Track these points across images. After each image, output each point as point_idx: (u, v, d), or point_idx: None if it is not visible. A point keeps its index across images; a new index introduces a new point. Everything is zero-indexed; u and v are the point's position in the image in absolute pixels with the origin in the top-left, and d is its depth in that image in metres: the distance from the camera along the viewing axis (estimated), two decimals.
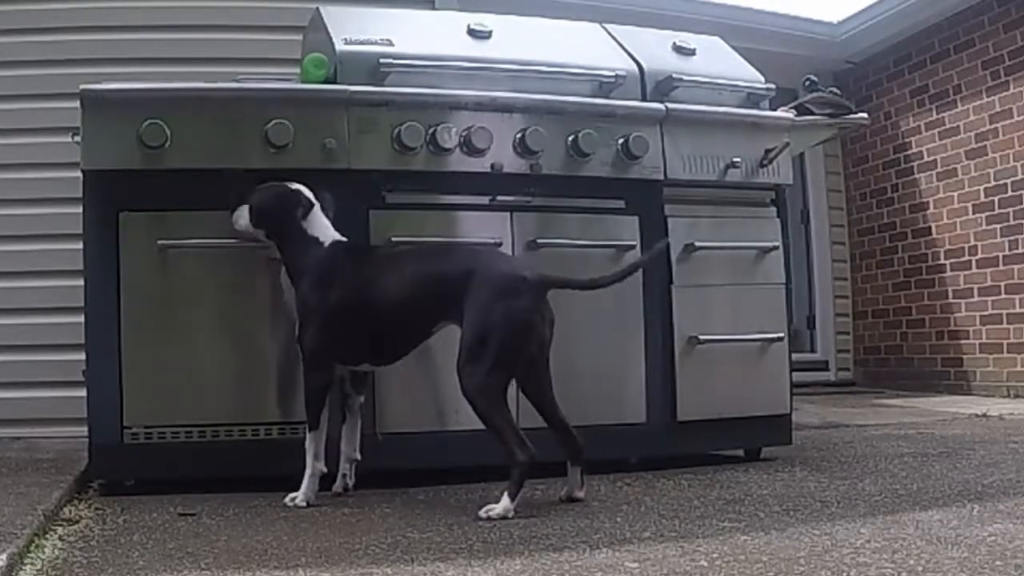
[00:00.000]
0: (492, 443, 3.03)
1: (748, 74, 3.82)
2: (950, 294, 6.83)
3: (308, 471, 2.89)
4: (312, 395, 2.91)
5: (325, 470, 2.93)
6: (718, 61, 3.87)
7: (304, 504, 2.84)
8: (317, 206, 3.00)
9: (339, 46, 3.36)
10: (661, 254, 3.35)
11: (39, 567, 2.10)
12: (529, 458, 2.64)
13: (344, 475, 3.03)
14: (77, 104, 3.11)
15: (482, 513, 2.60)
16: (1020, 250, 6.25)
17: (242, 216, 3.03)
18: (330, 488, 2.99)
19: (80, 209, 3.18)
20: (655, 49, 3.78)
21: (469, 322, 2.72)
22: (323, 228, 2.99)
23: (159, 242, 3.09)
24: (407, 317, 2.86)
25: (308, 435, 2.91)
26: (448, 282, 2.78)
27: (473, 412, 2.73)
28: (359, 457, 3.04)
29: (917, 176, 7.10)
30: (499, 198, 3.38)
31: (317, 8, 3.67)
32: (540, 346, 2.78)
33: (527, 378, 2.82)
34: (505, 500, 2.62)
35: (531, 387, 2.85)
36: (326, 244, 2.96)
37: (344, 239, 3.01)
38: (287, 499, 2.86)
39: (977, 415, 5.20)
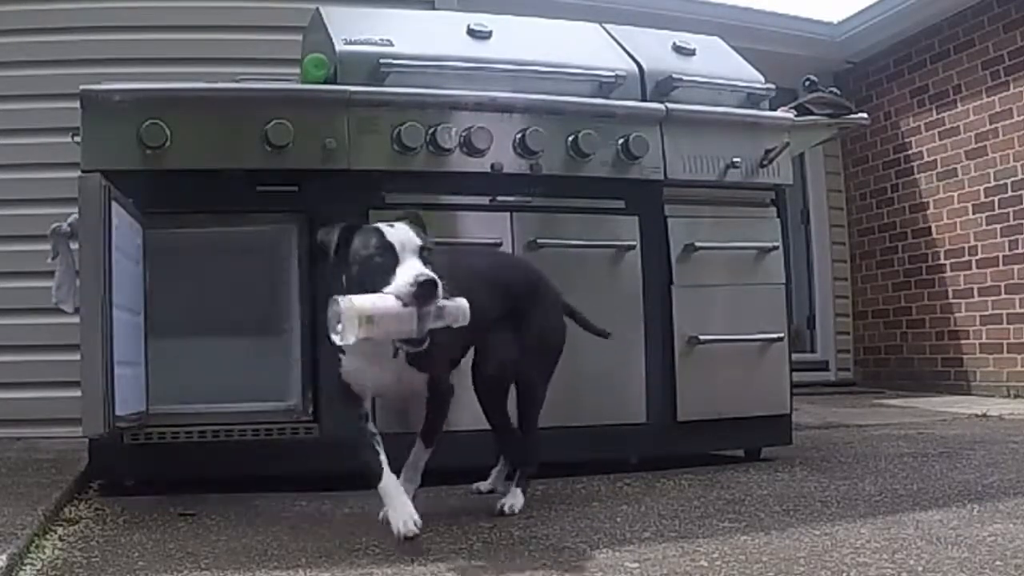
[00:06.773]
0: (489, 443, 3.03)
1: (748, 74, 3.82)
2: (950, 294, 6.83)
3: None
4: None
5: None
6: (718, 61, 3.87)
7: None
8: None
9: (339, 46, 3.36)
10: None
11: (39, 567, 2.10)
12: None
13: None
14: (77, 104, 3.11)
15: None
16: (1020, 250, 6.26)
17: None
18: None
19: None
20: (655, 49, 3.78)
21: (537, 333, 2.76)
22: None
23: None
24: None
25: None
26: (510, 295, 2.74)
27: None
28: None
29: (917, 176, 7.11)
30: (499, 198, 3.38)
31: (317, 8, 3.67)
32: None
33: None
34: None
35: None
36: None
37: None
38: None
39: (977, 415, 5.20)
